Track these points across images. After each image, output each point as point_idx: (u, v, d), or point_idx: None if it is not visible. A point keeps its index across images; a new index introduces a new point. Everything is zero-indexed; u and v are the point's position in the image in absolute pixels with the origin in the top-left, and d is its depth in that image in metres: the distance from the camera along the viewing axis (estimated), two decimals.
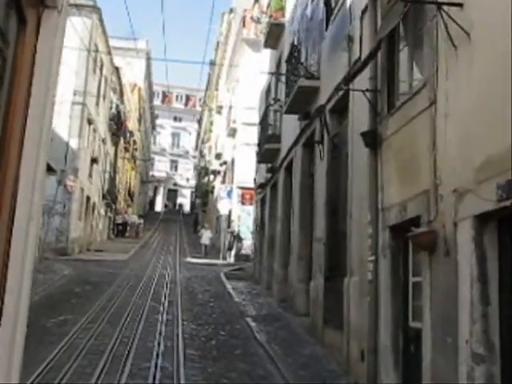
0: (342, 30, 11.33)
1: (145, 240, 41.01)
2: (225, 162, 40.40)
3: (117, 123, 39.59)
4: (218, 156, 44.81)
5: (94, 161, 32.30)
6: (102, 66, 33.19)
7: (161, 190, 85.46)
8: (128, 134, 48.13)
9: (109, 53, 34.84)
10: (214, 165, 47.51)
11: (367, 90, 8.74)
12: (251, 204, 30.56)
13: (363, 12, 9.80)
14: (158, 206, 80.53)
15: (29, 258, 1.82)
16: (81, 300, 15.47)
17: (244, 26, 34.23)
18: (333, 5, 12.38)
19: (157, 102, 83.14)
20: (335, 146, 12.01)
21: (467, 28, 5.73)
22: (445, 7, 6.03)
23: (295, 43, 14.85)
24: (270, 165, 20.66)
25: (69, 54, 23.03)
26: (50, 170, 19.15)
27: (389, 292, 7.91)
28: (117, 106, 39.71)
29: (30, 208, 1.81)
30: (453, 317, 5.71)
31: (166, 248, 36.04)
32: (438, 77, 6.47)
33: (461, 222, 5.71)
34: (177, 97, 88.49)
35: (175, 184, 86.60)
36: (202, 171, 58.65)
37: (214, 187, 46.59)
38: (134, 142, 53.96)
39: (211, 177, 49.50)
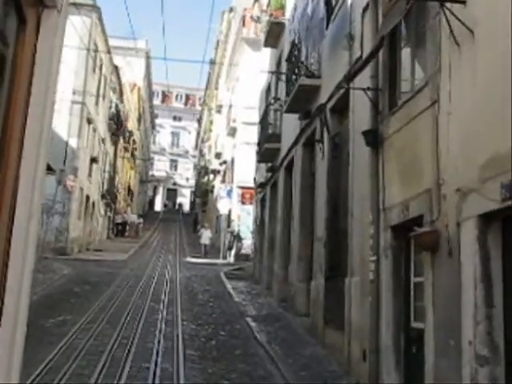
0: (343, 28, 11.26)
1: (144, 240, 40.95)
2: (225, 162, 40.33)
3: (116, 123, 39.52)
4: (218, 155, 44.74)
5: (93, 160, 32.24)
6: (101, 65, 33.13)
7: (160, 190, 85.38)
8: (127, 134, 48.06)
9: (108, 52, 34.76)
10: (214, 164, 47.45)
11: (368, 88, 8.67)
12: (251, 203, 30.50)
13: (364, 10, 9.74)
14: (158, 206, 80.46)
15: (29, 257, 1.81)
16: (80, 300, 15.41)
17: (244, 25, 34.16)
18: (333, 3, 12.31)
19: (156, 101, 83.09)
20: (336, 146, 11.94)
21: (470, 25, 5.66)
22: (448, 4, 5.96)
23: (296, 42, 14.77)
24: (270, 164, 20.60)
25: (68, 53, 23.00)
26: (49, 169, 19.07)
27: (390, 292, 7.84)
28: (116, 106, 39.64)
29: (30, 207, 1.80)
30: (456, 318, 5.64)
31: (166, 248, 35.99)
32: (441, 75, 6.40)
33: (464, 221, 5.65)
34: (176, 96, 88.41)
35: (175, 183, 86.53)
36: (202, 171, 58.59)
37: (213, 187, 46.53)
38: (134, 141, 53.89)
39: (211, 176, 49.44)
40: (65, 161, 26.72)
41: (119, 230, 44.00)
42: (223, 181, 39.09)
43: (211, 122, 55.61)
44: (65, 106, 26.60)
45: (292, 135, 16.10)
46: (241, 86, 33.79)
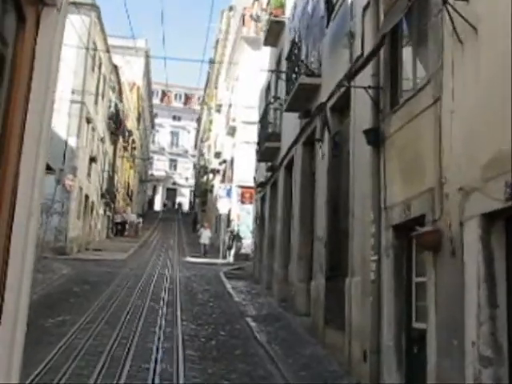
0: (343, 26, 11.19)
1: (144, 239, 40.91)
2: (224, 161, 40.25)
3: (115, 122, 39.47)
4: (218, 155, 44.68)
5: (92, 160, 32.19)
6: (100, 64, 33.07)
7: (160, 189, 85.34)
8: (127, 133, 48.01)
9: (107, 51, 34.69)
10: (214, 164, 47.39)
11: (369, 86, 8.61)
12: (251, 203, 30.44)
13: (365, 8, 9.68)
14: (157, 205, 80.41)
15: (29, 256, 1.80)
16: (79, 300, 15.35)
17: (244, 24, 34.10)
18: (334, 1, 12.24)
19: (156, 100, 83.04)
20: (336, 145, 11.87)
21: (474, 22, 5.59)
22: (450, 1, 5.89)
23: (296, 40, 14.71)
24: (269, 163, 20.53)
25: (67, 53, 22.94)
26: (48, 168, 19.00)
27: (392, 292, 7.78)
28: (116, 105, 39.59)
29: (30, 205, 1.79)
30: (459, 318, 5.58)
31: (165, 247, 35.95)
32: (444, 73, 6.34)
33: (467, 221, 5.58)
34: (176, 96, 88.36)
35: (174, 183, 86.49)
36: (201, 170, 58.54)
37: (213, 186, 46.47)
38: (133, 141, 53.84)
39: (210, 176, 49.39)
40: (64, 160, 26.66)
41: (118, 229, 43.97)
42: (223, 180, 39.03)
43: (211, 122, 55.56)
44: (64, 105, 26.53)
45: (292, 134, 16.05)
46: (240, 85, 33.72)
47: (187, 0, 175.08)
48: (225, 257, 31.69)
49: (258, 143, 22.01)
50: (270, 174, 20.75)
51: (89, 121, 30.41)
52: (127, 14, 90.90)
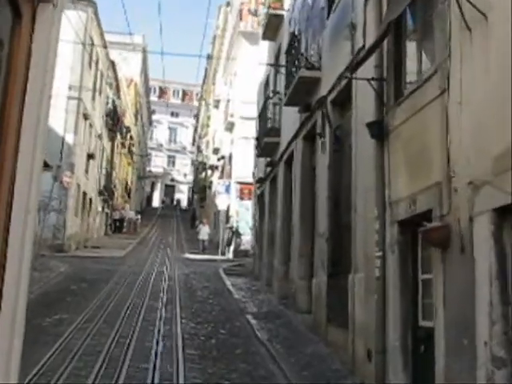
0: (345, 18, 10.96)
1: (142, 236, 40.75)
2: (222, 157, 40.00)
3: (113, 118, 39.23)
4: (216, 151, 44.46)
5: (90, 156, 31.96)
6: (97, 60, 32.81)
7: (158, 186, 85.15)
8: (124, 130, 47.75)
9: (104, 47, 34.43)
10: (212, 160, 47.17)
11: (373, 78, 8.39)
12: (250, 199, 30.24)
13: None
14: (156, 202, 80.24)
15: (26, 253, 1.79)
16: (77, 298, 15.14)
17: (241, 18, 33.83)
18: None
19: (153, 97, 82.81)
20: (337, 139, 11.66)
21: (483, 9, 5.37)
22: None
23: (295, 33, 14.48)
24: (269, 159, 20.31)
25: (64, 48, 22.66)
26: (45, 165, 18.78)
27: (397, 289, 7.57)
28: (113, 101, 39.34)
29: (28, 202, 1.79)
30: (469, 317, 5.37)
31: (164, 244, 35.78)
32: (451, 63, 6.12)
33: (477, 216, 5.37)
34: (174, 92, 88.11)
35: (172, 179, 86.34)
36: (200, 166, 58.36)
37: (211, 182, 46.26)
38: (131, 137, 53.56)
39: (209, 172, 49.17)
40: (61, 157, 26.40)
41: (117, 226, 43.76)
42: (221, 176, 38.79)
43: (209, 118, 55.31)
44: (61, 101, 26.23)
45: (292, 129, 15.83)
46: (238, 80, 33.47)
47: None
48: (224, 253, 31.52)
49: (257, 138, 21.78)
50: (269, 169, 20.54)
51: (86, 117, 30.17)
52: (124, 10, 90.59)
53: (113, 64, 39.14)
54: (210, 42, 55.14)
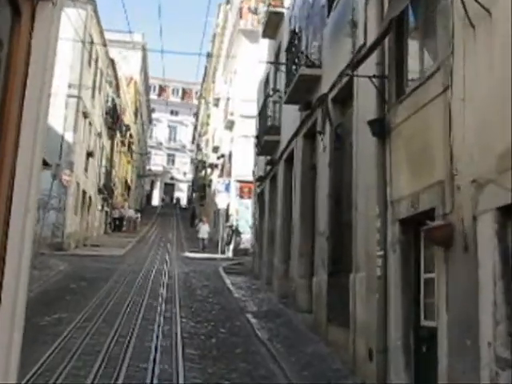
0: (345, 15, 10.89)
1: (142, 234, 40.70)
2: (222, 155, 39.92)
3: (113, 116, 39.13)
4: (216, 149, 44.39)
5: (89, 155, 31.89)
6: (97, 58, 32.71)
7: (158, 185, 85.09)
8: (124, 128, 47.65)
9: (104, 45, 34.34)
10: (212, 158, 47.10)
11: (374, 76, 8.31)
12: (249, 197, 30.18)
13: None
14: (155, 201, 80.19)
15: (26, 252, 1.79)
16: (76, 297, 15.08)
17: (241, 16, 33.77)
18: None
19: (153, 95, 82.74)
20: (338, 137, 11.59)
21: (487, 5, 5.30)
22: None
23: (296, 31, 14.40)
24: (269, 157, 20.24)
25: (63, 46, 22.59)
26: (44, 164, 18.71)
27: (399, 289, 7.51)
28: (113, 100, 39.26)
29: (27, 200, 1.79)
30: (473, 317, 5.30)
31: (164, 242, 35.72)
32: (454, 59, 6.04)
33: (481, 215, 5.30)
34: (173, 90, 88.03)
35: (172, 178, 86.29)
36: (199, 165, 58.29)
37: (211, 181, 46.20)
38: (131, 135, 53.48)
39: (208, 170, 49.10)
40: (60, 155, 26.32)
41: (116, 224, 43.71)
42: (221, 175, 38.72)
43: (208, 116, 55.24)
44: (60, 99, 26.17)
45: (292, 127, 15.76)
46: (238, 78, 33.38)
47: None
48: (224, 252, 31.47)
49: (257, 137, 21.71)
50: (269, 167, 20.47)
51: (86, 115, 30.09)
52: (124, 8, 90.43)
53: (112, 62, 39.06)
54: (209, 40, 55.17)
